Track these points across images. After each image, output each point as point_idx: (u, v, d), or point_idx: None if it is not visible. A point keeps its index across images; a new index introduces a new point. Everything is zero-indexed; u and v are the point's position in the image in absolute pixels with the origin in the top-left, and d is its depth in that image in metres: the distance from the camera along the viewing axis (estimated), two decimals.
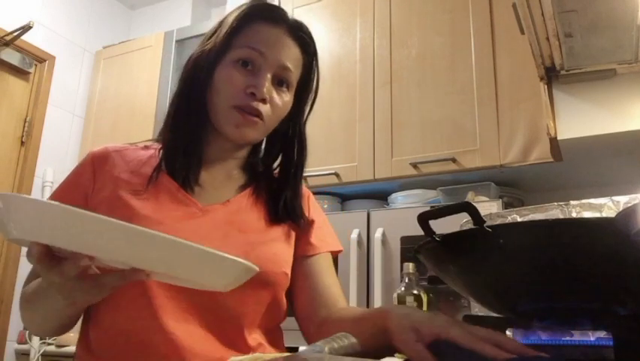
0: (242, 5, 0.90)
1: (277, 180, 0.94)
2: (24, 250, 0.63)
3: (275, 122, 0.89)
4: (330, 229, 1.00)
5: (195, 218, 0.84)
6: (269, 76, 0.85)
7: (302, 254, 0.93)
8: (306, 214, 0.95)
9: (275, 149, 0.96)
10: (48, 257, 0.58)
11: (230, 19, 0.88)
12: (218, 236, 0.83)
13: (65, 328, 0.81)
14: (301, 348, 0.70)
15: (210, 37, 0.90)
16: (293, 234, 0.93)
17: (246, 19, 0.87)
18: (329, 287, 0.91)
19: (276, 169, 0.96)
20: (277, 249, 0.88)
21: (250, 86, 0.84)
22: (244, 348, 0.82)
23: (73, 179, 0.89)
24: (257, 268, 0.61)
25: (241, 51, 0.85)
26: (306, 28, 0.91)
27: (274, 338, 0.89)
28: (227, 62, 0.86)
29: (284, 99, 0.88)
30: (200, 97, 0.87)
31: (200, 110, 0.87)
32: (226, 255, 0.57)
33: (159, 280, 0.70)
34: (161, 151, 0.89)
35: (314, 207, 0.99)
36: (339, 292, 0.92)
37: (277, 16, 0.88)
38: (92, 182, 0.86)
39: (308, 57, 0.92)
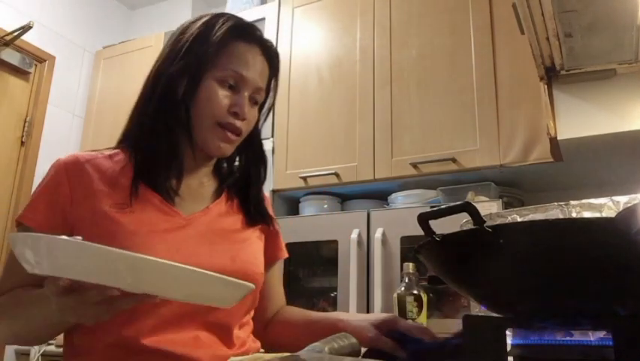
0: (216, 18, 0.93)
1: (245, 184, 0.99)
2: None
3: (246, 135, 0.95)
4: None
5: (181, 229, 0.87)
6: (246, 95, 0.92)
7: (274, 259, 1.02)
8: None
9: (234, 154, 1.00)
10: (68, 286, 0.59)
11: (212, 37, 0.90)
12: (204, 245, 0.87)
13: (48, 339, 0.83)
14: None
15: (182, 49, 0.91)
16: (262, 236, 1.00)
17: (227, 37, 0.91)
18: (280, 292, 1.06)
19: (237, 172, 1.01)
20: (255, 250, 0.95)
21: (233, 105, 0.90)
22: (232, 346, 0.86)
23: (49, 192, 0.85)
24: (253, 286, 0.65)
25: (225, 73, 0.90)
26: (275, 48, 0.99)
27: (249, 331, 0.95)
28: (210, 78, 0.90)
29: (254, 115, 0.96)
30: (181, 110, 0.89)
31: (180, 122, 0.90)
32: (238, 281, 0.62)
33: (167, 299, 0.71)
34: (136, 161, 0.89)
35: (272, 212, 1.05)
36: (283, 296, 1.07)
37: (253, 35, 0.95)
38: (69, 196, 0.84)
39: (272, 72, 0.99)
